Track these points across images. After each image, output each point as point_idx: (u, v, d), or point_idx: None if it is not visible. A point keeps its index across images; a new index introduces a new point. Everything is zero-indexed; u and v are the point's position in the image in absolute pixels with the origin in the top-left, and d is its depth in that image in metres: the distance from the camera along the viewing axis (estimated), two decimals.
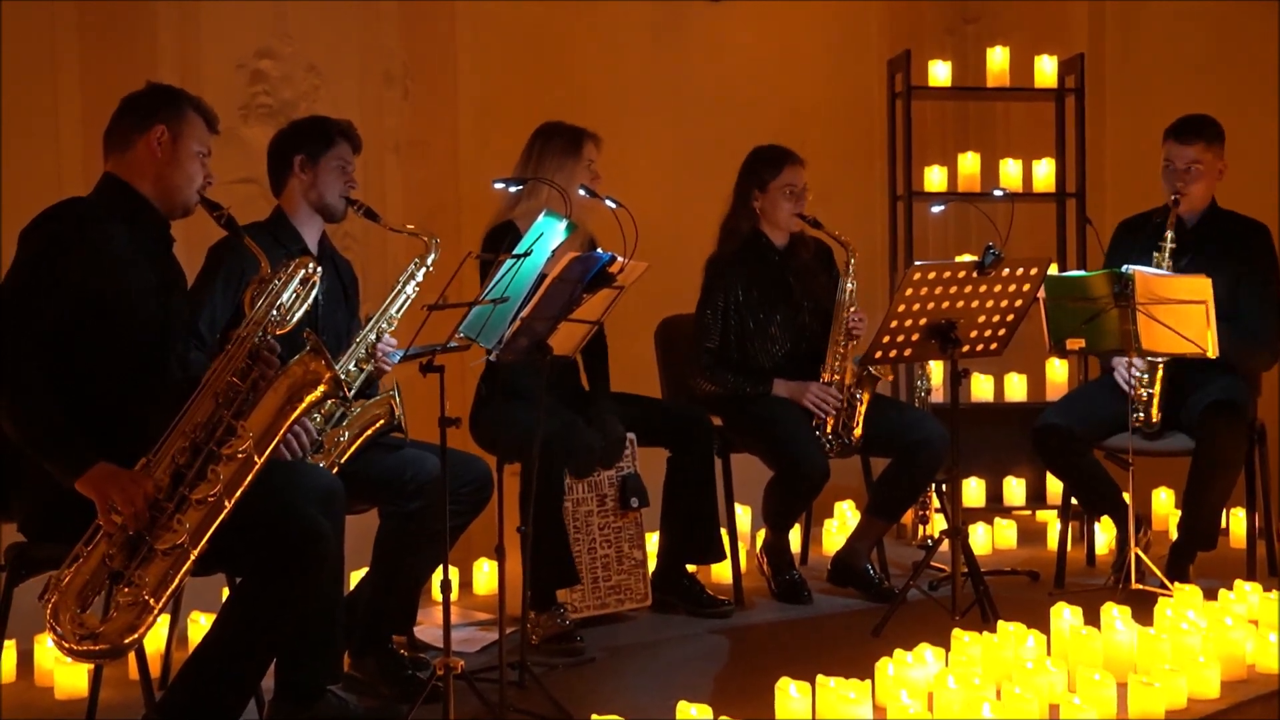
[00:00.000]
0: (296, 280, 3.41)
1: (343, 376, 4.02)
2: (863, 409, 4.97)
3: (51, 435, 3.16)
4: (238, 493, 3.17)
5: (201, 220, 3.55)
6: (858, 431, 4.97)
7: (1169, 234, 4.86)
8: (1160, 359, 4.81)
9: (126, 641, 3.08)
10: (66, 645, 3.08)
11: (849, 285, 4.99)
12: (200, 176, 3.47)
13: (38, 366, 3.19)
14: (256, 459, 3.20)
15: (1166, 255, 4.84)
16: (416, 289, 4.14)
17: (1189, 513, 4.92)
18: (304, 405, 3.28)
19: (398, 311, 4.13)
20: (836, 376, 4.98)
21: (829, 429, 4.96)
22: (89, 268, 3.28)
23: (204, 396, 3.23)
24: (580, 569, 4.67)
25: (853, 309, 4.99)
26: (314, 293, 3.46)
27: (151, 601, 3.08)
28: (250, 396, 3.24)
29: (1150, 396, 4.87)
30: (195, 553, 3.12)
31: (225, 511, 3.15)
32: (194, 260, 3.99)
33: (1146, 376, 4.88)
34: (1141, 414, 4.87)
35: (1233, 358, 4.76)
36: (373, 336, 4.08)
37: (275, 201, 4.20)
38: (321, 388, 3.29)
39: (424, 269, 4.15)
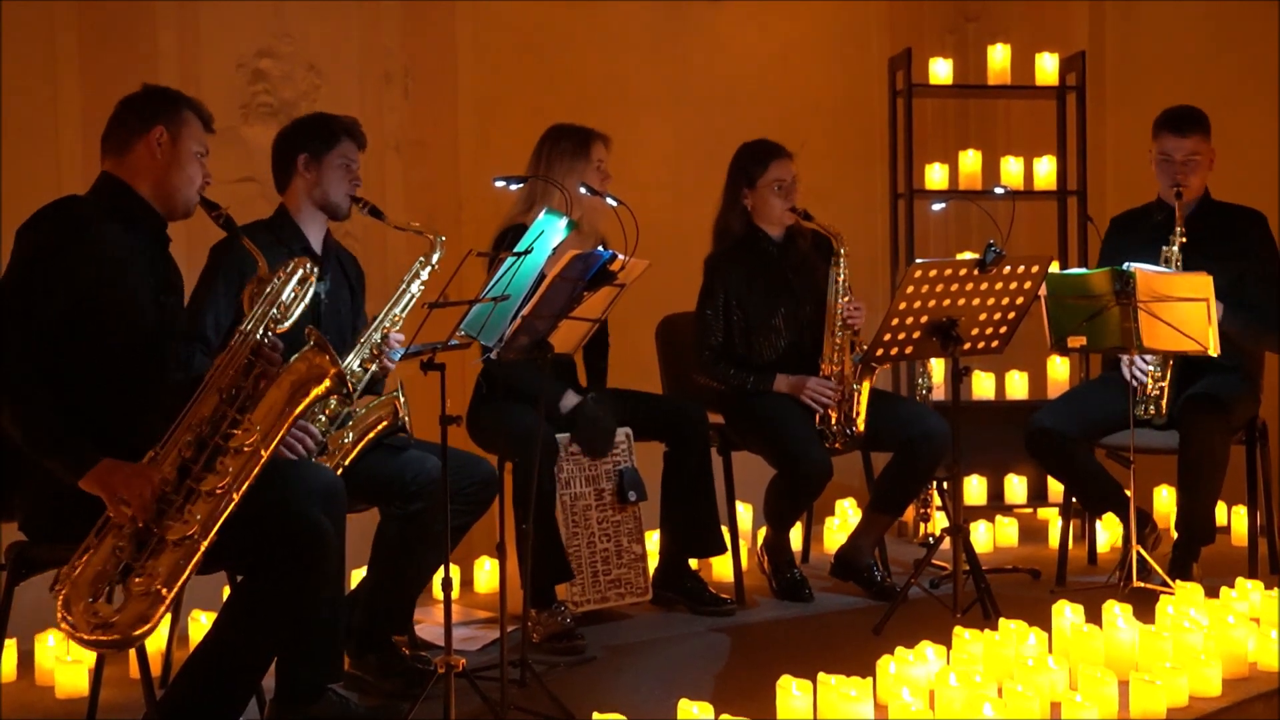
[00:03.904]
0: (294, 280, 3.41)
1: (347, 375, 4.03)
2: (863, 398, 4.95)
3: (53, 435, 3.17)
4: (244, 486, 3.18)
5: (202, 220, 3.55)
6: (860, 424, 4.95)
7: (1179, 229, 4.85)
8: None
9: (137, 633, 3.07)
10: (79, 635, 3.07)
11: (840, 275, 4.97)
12: (200, 177, 3.47)
13: (36, 367, 3.19)
14: (263, 452, 3.21)
15: (1176, 250, 4.82)
16: (422, 287, 4.13)
17: (1183, 507, 4.92)
18: (308, 400, 3.29)
19: (402, 311, 4.12)
20: (835, 368, 4.97)
21: (833, 421, 4.95)
22: (85, 267, 3.27)
23: (208, 392, 3.24)
24: (580, 563, 4.67)
25: (846, 299, 4.97)
26: (311, 292, 3.45)
27: (164, 591, 3.08)
28: (254, 392, 3.25)
29: (1162, 391, 4.85)
30: (205, 544, 3.12)
31: (232, 504, 3.15)
32: (194, 260, 3.99)
33: (1159, 370, 4.85)
34: (1151, 407, 4.85)
35: (1246, 339, 4.77)
36: (377, 336, 4.07)
37: (275, 201, 4.19)
38: (326, 383, 3.30)
39: (429, 267, 4.14)
